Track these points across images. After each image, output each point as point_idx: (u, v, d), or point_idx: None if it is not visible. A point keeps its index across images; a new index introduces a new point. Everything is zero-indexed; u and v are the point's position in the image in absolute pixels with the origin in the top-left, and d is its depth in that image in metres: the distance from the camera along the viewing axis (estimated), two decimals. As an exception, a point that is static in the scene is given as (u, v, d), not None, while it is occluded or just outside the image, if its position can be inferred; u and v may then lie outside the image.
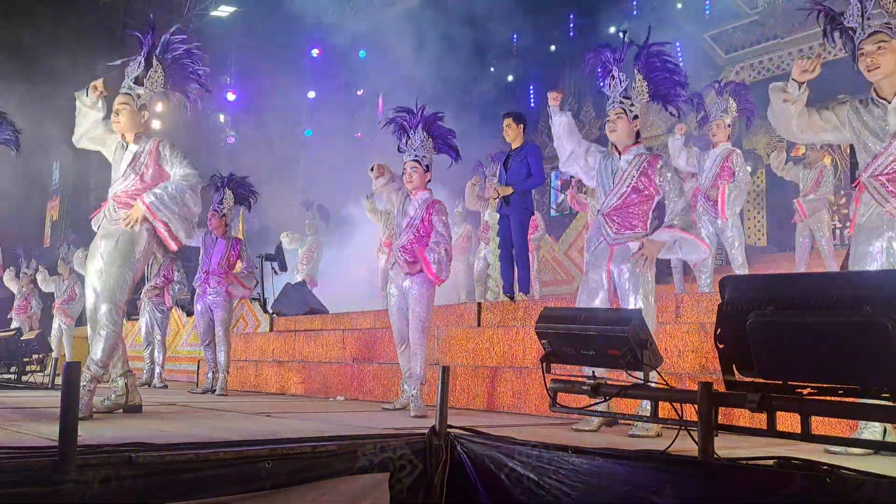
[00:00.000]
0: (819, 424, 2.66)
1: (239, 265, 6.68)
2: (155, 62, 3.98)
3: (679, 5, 12.89)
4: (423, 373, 4.51)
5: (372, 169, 4.72)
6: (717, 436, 2.12)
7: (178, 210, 3.84)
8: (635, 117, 3.80)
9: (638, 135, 3.85)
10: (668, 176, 3.72)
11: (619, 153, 3.83)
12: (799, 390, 2.02)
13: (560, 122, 4.03)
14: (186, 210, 3.88)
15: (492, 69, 16.08)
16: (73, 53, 13.12)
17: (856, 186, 3.14)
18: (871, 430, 2.73)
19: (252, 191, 6.89)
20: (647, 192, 3.74)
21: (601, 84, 3.92)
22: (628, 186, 3.74)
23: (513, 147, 6.50)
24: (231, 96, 16.49)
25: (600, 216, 3.83)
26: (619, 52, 3.81)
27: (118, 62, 4.15)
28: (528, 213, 6.54)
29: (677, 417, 2.31)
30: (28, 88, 12.12)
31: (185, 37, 4.09)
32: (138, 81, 3.97)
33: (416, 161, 4.59)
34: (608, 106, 3.84)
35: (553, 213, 14.18)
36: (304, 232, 10.53)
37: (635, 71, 3.80)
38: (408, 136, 4.63)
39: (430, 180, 4.70)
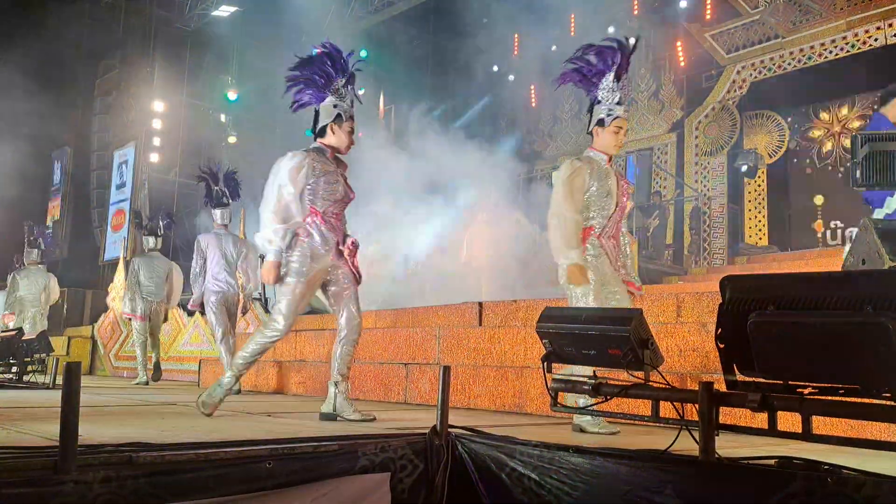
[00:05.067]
0: (820, 424, 2.65)
1: None
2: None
3: (681, 5, 12.89)
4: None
5: None
6: (718, 435, 2.11)
7: None
8: None
9: None
10: None
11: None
12: (800, 390, 2.01)
13: None
14: None
15: (494, 68, 16.09)
16: (75, 52, 13.12)
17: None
18: None
19: None
20: None
21: None
22: None
23: None
24: (232, 96, 16.49)
25: None
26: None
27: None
28: None
29: (678, 417, 2.31)
30: (28, 87, 12.12)
31: None
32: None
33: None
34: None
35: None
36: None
37: None
38: None
39: None
